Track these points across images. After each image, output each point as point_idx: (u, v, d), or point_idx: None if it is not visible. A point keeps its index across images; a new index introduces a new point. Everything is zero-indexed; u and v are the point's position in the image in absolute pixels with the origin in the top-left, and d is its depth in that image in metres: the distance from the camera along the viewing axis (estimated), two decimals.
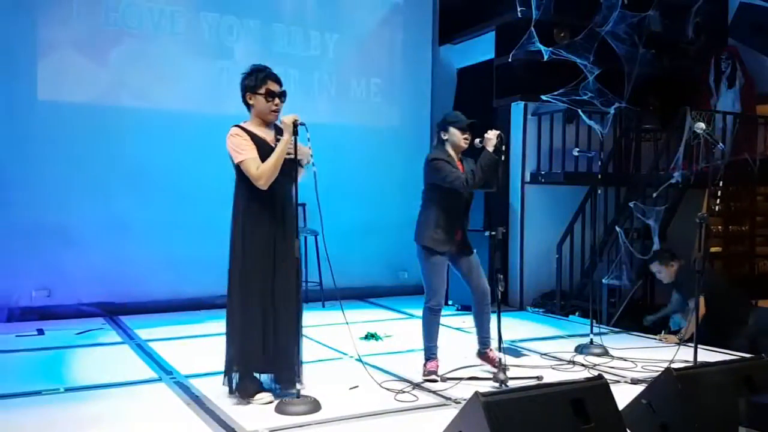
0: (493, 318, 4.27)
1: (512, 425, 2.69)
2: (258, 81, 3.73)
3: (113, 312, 6.44)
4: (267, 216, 3.73)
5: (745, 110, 7.60)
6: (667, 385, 3.13)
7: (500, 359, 4.08)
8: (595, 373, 4.25)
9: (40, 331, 5.76)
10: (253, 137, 3.70)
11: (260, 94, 3.73)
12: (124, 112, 6.60)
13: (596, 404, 2.90)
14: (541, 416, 2.80)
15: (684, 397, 3.05)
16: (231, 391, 3.85)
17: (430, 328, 4.39)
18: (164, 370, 4.56)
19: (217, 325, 5.81)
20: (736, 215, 8.32)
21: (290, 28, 7.37)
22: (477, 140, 4.27)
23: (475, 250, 4.44)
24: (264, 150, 3.67)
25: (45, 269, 6.29)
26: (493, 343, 4.51)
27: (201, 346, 5.29)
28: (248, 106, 3.80)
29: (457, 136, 4.27)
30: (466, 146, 4.30)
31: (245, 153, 3.65)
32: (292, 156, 3.66)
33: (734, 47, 7.72)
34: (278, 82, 3.78)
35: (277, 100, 3.75)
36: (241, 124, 3.77)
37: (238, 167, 3.70)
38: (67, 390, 4.09)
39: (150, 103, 6.71)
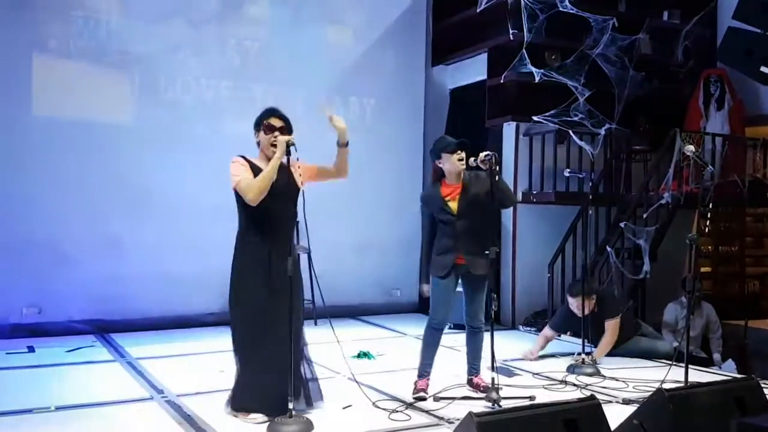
0: (486, 337, 4.29)
1: None
2: (261, 118, 3.90)
3: (104, 329, 6.40)
4: (265, 239, 3.78)
5: (733, 132, 7.70)
6: (659, 406, 3.14)
7: (493, 378, 4.09)
8: (587, 392, 4.27)
9: (31, 349, 5.72)
10: (252, 166, 3.81)
11: (261, 129, 3.88)
12: (118, 130, 6.62)
13: (589, 424, 2.92)
14: None
15: (676, 418, 3.07)
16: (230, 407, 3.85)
17: (427, 347, 4.44)
18: (155, 389, 4.53)
19: (209, 344, 5.83)
20: (726, 236, 8.39)
21: (285, 48, 7.42)
22: (471, 159, 4.31)
23: (485, 276, 4.33)
24: None
25: (36, 286, 6.26)
26: (485, 363, 4.52)
27: (193, 365, 5.27)
28: (258, 144, 3.93)
29: (450, 160, 4.30)
30: (462, 167, 4.32)
31: (239, 175, 3.75)
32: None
33: (723, 70, 7.84)
34: (281, 118, 3.91)
35: (276, 133, 3.83)
36: (244, 155, 3.86)
37: (236, 193, 3.78)
38: (58, 408, 4.05)
39: (144, 121, 6.73)
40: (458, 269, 4.35)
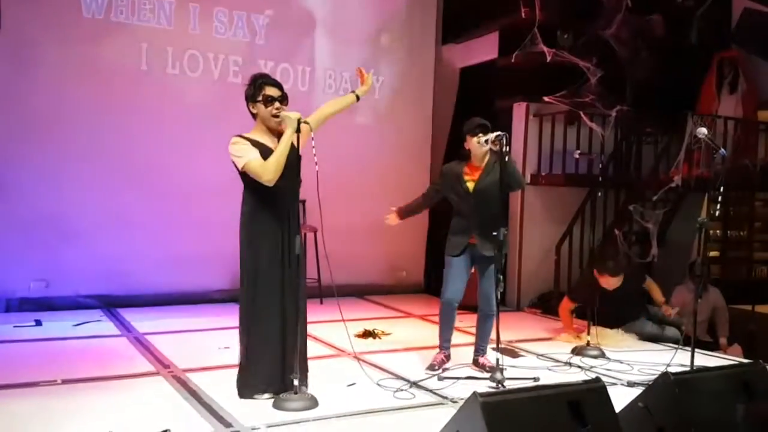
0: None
1: (509, 426, 2.69)
2: (256, 88, 3.77)
3: (111, 304, 6.43)
4: (274, 217, 3.74)
5: (746, 116, 7.61)
6: (664, 389, 3.13)
7: (498, 359, 4.10)
8: (592, 375, 4.26)
9: (38, 322, 5.75)
10: (253, 143, 3.72)
11: (259, 101, 3.76)
12: (126, 105, 6.58)
13: (593, 407, 2.91)
14: (538, 418, 2.80)
15: (681, 402, 3.05)
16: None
17: (442, 322, 4.56)
18: (162, 364, 4.56)
19: (215, 320, 5.86)
20: (735, 220, 8.33)
21: (294, 25, 7.35)
22: (483, 138, 4.30)
23: (492, 256, 4.35)
24: (265, 153, 3.68)
25: (43, 260, 6.27)
26: (490, 345, 4.53)
27: (199, 341, 5.29)
28: (253, 116, 3.84)
29: (473, 143, 4.37)
30: (482, 149, 4.36)
31: (246, 155, 3.66)
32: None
33: (737, 52, 7.73)
34: (277, 86, 3.81)
35: (277, 104, 3.76)
36: (242, 134, 3.78)
37: (243, 174, 3.71)
38: (65, 382, 4.08)
39: (152, 98, 6.69)
40: (471, 249, 4.45)
